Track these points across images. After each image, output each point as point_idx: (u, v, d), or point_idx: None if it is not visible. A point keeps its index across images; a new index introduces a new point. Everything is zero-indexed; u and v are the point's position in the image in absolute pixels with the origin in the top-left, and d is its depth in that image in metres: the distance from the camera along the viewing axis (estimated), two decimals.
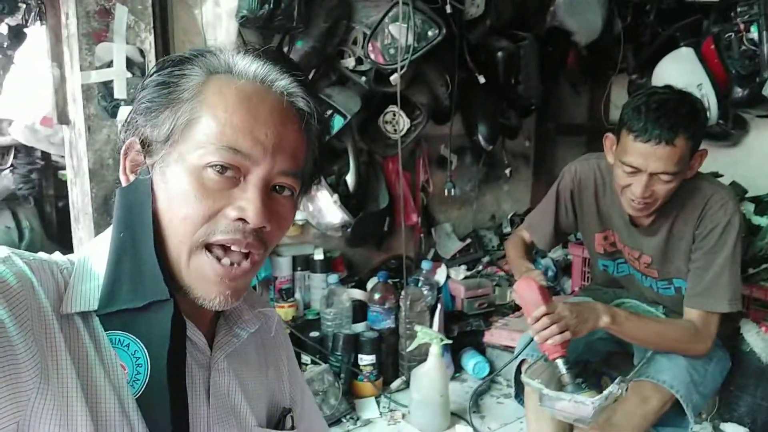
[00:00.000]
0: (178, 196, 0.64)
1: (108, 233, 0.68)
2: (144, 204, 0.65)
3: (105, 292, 0.63)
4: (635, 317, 1.56)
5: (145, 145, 0.66)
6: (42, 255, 0.66)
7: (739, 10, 2.34)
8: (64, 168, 2.34)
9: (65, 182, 2.04)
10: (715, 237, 1.54)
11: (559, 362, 1.41)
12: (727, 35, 2.40)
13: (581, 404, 1.36)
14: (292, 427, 0.84)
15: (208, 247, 0.65)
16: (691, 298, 1.57)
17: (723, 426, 1.87)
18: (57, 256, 0.68)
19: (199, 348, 0.72)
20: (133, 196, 0.66)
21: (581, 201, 1.79)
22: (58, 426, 0.57)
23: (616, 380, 1.39)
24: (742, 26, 2.35)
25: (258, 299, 0.84)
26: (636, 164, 1.44)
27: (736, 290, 1.55)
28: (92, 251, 0.69)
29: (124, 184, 0.68)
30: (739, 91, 2.42)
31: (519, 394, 1.78)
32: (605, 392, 1.36)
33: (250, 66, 0.68)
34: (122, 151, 0.68)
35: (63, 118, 1.84)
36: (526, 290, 1.47)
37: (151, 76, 0.67)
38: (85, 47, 1.70)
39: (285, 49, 2.00)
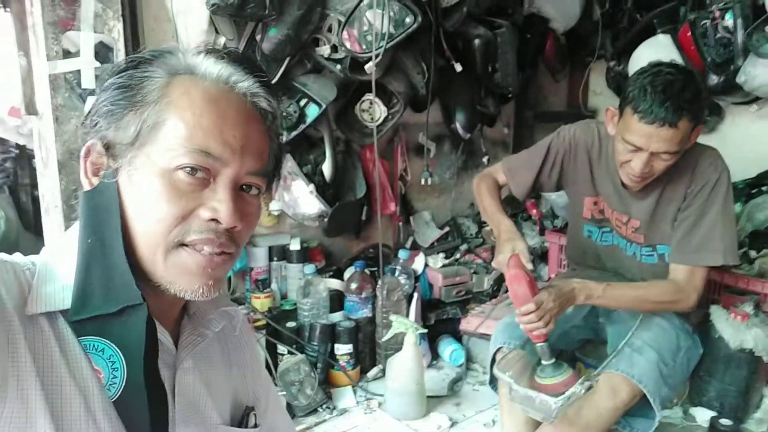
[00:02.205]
0: (149, 199, 0.64)
1: (71, 234, 0.68)
2: (111, 208, 0.65)
3: (76, 298, 0.64)
4: (612, 288, 1.59)
5: (108, 148, 0.66)
6: (3, 256, 0.65)
7: None
8: None
9: None
10: (706, 193, 1.59)
11: (543, 345, 1.49)
12: (702, 22, 2.42)
13: (545, 403, 1.39)
14: (255, 425, 0.85)
15: (182, 245, 0.66)
16: (683, 254, 1.61)
17: (693, 410, 1.91)
18: (18, 257, 0.68)
19: (165, 347, 0.72)
20: (100, 200, 0.66)
21: (575, 164, 1.80)
22: (17, 429, 0.57)
23: (580, 380, 1.43)
24: (717, 14, 2.36)
25: (222, 298, 0.84)
26: (638, 144, 1.48)
27: (731, 242, 1.59)
28: (55, 252, 0.69)
29: (86, 187, 0.68)
30: (714, 79, 2.44)
31: (493, 381, 1.80)
32: (568, 393, 1.40)
33: (213, 67, 0.68)
34: (82, 154, 0.68)
35: (31, 109, 1.80)
36: (516, 283, 1.52)
37: (111, 78, 0.67)
38: (51, 36, 1.66)
39: (258, 37, 1.97)
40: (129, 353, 0.63)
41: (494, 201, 1.82)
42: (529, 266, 1.55)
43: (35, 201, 2.95)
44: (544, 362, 1.49)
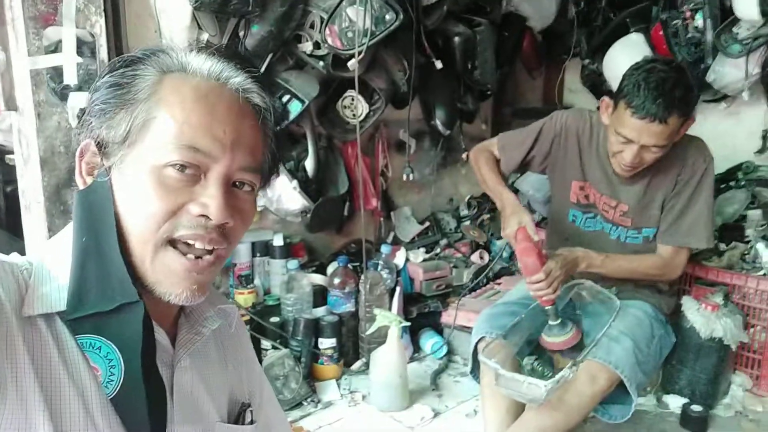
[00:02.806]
0: (139, 196, 0.64)
1: (66, 233, 0.68)
2: (105, 206, 0.65)
3: (72, 296, 0.63)
4: (610, 259, 1.76)
5: (102, 147, 0.66)
6: (0, 256, 0.65)
7: None
8: (11, 152, 2.26)
9: (13, 167, 1.97)
10: (696, 181, 1.74)
11: (551, 308, 1.64)
12: (674, 22, 2.49)
13: (534, 386, 1.45)
14: (252, 422, 0.86)
15: (172, 242, 0.65)
16: (673, 237, 1.78)
17: (665, 398, 1.98)
18: (15, 257, 0.68)
19: (162, 347, 0.72)
20: (93, 198, 0.66)
21: (565, 148, 1.89)
22: (17, 431, 0.57)
23: (568, 365, 1.49)
24: (688, 14, 2.44)
25: (217, 296, 0.85)
26: (630, 137, 1.59)
27: (712, 229, 1.79)
28: (50, 252, 0.68)
29: (81, 187, 0.68)
30: None
31: (474, 370, 1.84)
32: (557, 376, 1.46)
33: (204, 63, 0.68)
34: (77, 154, 0.68)
35: (11, 104, 1.77)
36: (526, 256, 1.65)
37: (103, 77, 0.67)
38: (32, 31, 1.64)
39: (241, 34, 1.98)
40: (126, 350, 0.63)
41: (494, 174, 1.92)
42: (536, 238, 1.67)
43: (8, 197, 2.90)
44: (551, 323, 1.65)
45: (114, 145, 0.65)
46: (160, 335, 0.72)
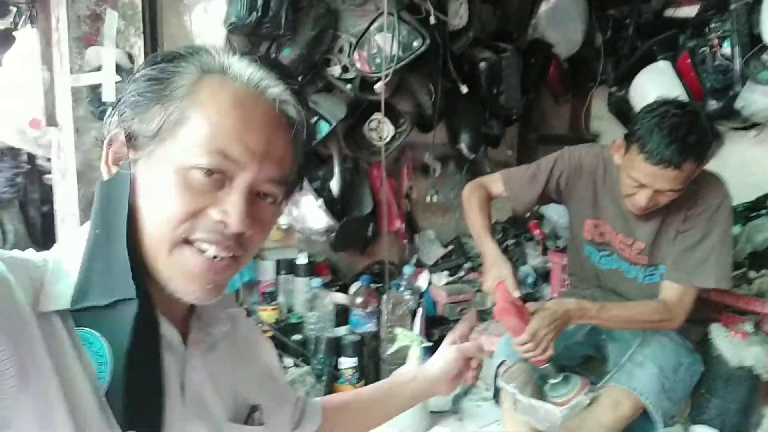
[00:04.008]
0: (161, 194, 0.64)
1: (83, 230, 0.68)
2: (121, 201, 0.64)
3: (77, 288, 0.63)
4: (605, 309, 1.61)
5: (131, 139, 0.65)
6: (15, 253, 0.64)
7: (712, 25, 2.43)
8: (49, 172, 2.35)
9: (50, 186, 2.05)
10: (707, 216, 1.63)
11: (546, 367, 1.52)
12: (701, 50, 2.49)
13: (550, 412, 1.43)
14: (261, 423, 0.85)
15: (188, 242, 0.65)
16: (677, 272, 1.65)
17: (693, 428, 1.92)
18: (31, 254, 0.67)
19: (173, 344, 0.72)
20: (112, 191, 0.66)
21: (578, 185, 1.82)
22: (38, 427, 0.57)
23: (584, 391, 1.46)
24: (715, 41, 2.43)
25: (227, 300, 0.85)
26: (644, 181, 1.53)
27: (725, 268, 1.62)
28: (67, 248, 0.68)
29: (105, 175, 0.67)
30: (713, 104, 2.50)
31: (496, 395, 1.82)
32: (572, 402, 1.44)
33: (245, 69, 0.67)
34: (106, 142, 0.67)
35: (51, 120, 1.86)
36: (505, 317, 1.51)
37: (144, 69, 0.66)
38: (75, 51, 1.73)
39: (272, 57, 2.04)
40: (116, 347, 0.62)
41: (482, 219, 1.80)
42: (516, 293, 1.55)
43: (44, 216, 3.00)
44: (552, 381, 1.52)
45: (144, 138, 0.64)
46: (172, 333, 0.71)
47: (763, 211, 2.37)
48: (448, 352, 1.10)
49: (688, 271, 1.63)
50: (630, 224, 1.75)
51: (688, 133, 1.47)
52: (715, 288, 1.65)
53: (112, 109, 0.69)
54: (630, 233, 1.76)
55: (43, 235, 2.96)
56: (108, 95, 1.78)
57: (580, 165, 1.81)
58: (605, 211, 1.79)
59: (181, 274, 0.65)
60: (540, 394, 1.66)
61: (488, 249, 1.69)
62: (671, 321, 1.63)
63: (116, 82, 1.79)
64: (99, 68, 1.77)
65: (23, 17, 1.84)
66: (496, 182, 1.91)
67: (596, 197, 1.80)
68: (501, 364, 1.73)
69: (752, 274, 2.09)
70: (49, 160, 2.11)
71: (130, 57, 1.81)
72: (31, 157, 2.76)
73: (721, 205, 1.63)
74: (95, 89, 1.76)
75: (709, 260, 1.62)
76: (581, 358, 1.95)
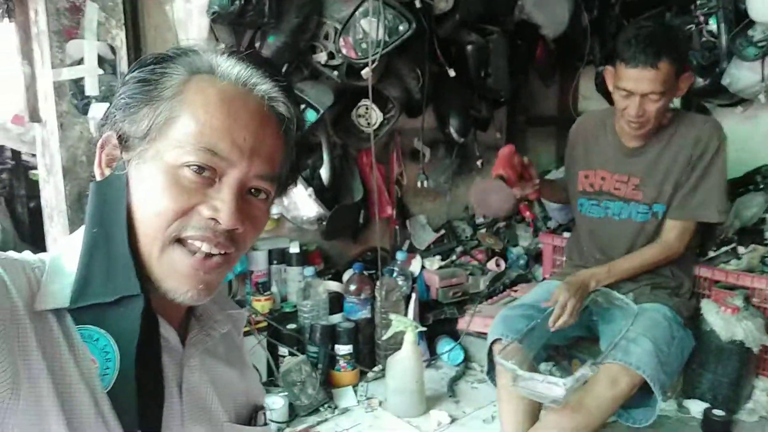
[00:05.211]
0: (152, 193, 0.64)
1: (80, 231, 0.68)
2: (118, 200, 0.65)
3: (76, 287, 0.63)
4: (614, 266, 1.84)
5: (123, 140, 0.67)
6: (12, 254, 0.65)
7: (698, 2, 2.42)
8: (34, 168, 2.32)
9: (36, 182, 2.02)
10: (709, 157, 1.79)
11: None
12: (688, 27, 2.48)
13: (553, 385, 1.43)
14: (265, 423, 0.86)
15: (180, 241, 0.65)
16: (683, 210, 1.83)
17: (686, 402, 1.95)
18: (27, 255, 0.68)
19: (171, 345, 0.72)
20: (108, 191, 0.66)
21: (573, 146, 2.06)
22: (31, 426, 0.57)
23: (588, 363, 1.47)
24: (701, 18, 2.43)
25: (227, 301, 0.86)
26: (629, 88, 1.70)
27: (726, 203, 1.86)
28: (65, 249, 0.68)
29: (98, 177, 0.68)
30: (700, 81, 2.50)
31: (490, 372, 1.83)
32: (577, 374, 1.44)
33: (233, 68, 0.68)
34: (99, 145, 0.68)
35: (35, 116, 1.83)
36: (504, 166, 1.87)
37: (133, 72, 0.67)
38: (55, 44, 1.70)
39: (257, 45, 2.02)
40: (123, 343, 0.63)
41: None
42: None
43: (31, 212, 2.96)
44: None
45: (134, 139, 0.66)
46: (169, 333, 0.72)
47: (751, 187, 2.39)
48: None
49: (694, 207, 1.82)
50: (624, 161, 1.91)
51: (661, 37, 1.67)
52: (718, 221, 1.87)
53: (105, 113, 0.69)
54: (624, 170, 1.91)
55: (31, 230, 2.93)
56: (91, 89, 1.75)
57: (575, 130, 2.09)
58: (597, 161, 1.97)
59: (171, 274, 0.66)
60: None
61: None
62: (674, 255, 1.86)
63: (99, 75, 1.77)
64: (81, 61, 1.74)
65: (0, 11, 1.80)
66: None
67: (586, 150, 2.00)
68: (495, 342, 1.74)
69: (741, 249, 2.11)
70: (34, 155, 2.08)
71: (113, 49, 1.78)
72: (16, 153, 2.72)
73: (720, 147, 1.80)
74: (78, 83, 1.74)
75: (713, 196, 1.80)
76: (572, 339, 1.97)
